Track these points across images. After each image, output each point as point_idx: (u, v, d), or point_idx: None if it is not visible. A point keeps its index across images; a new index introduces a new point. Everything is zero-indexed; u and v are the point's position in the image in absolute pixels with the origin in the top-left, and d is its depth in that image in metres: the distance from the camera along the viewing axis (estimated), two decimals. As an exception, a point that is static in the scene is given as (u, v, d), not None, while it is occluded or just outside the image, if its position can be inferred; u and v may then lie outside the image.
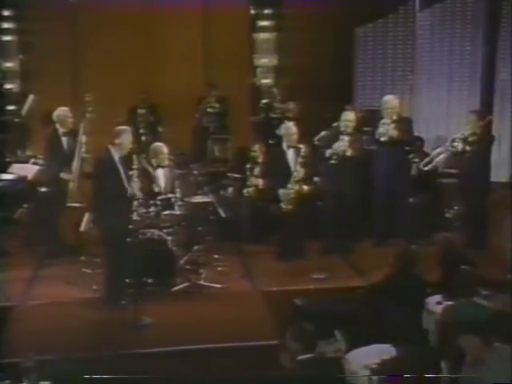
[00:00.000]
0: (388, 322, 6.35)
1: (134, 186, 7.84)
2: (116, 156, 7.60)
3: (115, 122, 10.73)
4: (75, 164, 8.91)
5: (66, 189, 8.85)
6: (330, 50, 12.55)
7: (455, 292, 6.22)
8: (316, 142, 9.38)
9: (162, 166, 8.74)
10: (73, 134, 9.05)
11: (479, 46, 11.68)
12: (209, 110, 12.22)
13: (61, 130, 9.10)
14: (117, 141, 7.60)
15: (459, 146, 9.08)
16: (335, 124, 9.33)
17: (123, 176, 7.66)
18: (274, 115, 11.90)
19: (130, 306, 7.19)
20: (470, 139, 9.05)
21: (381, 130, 9.32)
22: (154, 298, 7.59)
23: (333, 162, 8.98)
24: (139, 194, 8.07)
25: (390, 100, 9.49)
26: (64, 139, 9.08)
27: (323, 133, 9.74)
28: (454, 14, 12.04)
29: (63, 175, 8.88)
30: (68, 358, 6.21)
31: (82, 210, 8.38)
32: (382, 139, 9.31)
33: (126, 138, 7.69)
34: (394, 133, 9.25)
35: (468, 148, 9.04)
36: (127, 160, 7.88)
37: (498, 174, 10.10)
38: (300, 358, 4.95)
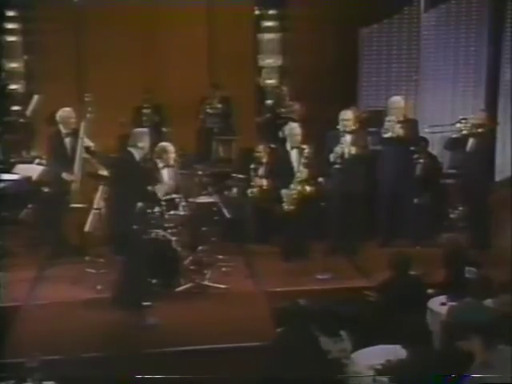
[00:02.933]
0: (392, 323, 6.35)
1: (160, 187, 7.94)
2: (138, 158, 7.64)
3: (119, 123, 10.80)
4: (77, 165, 8.91)
5: (70, 189, 8.87)
6: (334, 50, 12.53)
7: (460, 293, 6.21)
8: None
9: (167, 166, 8.75)
10: (76, 134, 9.05)
11: (484, 47, 11.67)
12: (213, 110, 12.22)
13: (64, 131, 9.10)
14: (140, 144, 7.63)
15: (465, 129, 9.03)
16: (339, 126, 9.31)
17: (147, 177, 7.77)
18: (278, 115, 11.90)
19: (146, 306, 7.22)
20: (474, 131, 9.00)
21: (386, 126, 9.32)
22: (158, 298, 7.60)
23: (337, 166, 8.96)
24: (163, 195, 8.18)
25: (397, 101, 9.50)
26: (67, 140, 9.09)
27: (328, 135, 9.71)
28: (458, 15, 12.03)
29: (65, 176, 8.88)
30: (72, 358, 6.21)
31: (87, 210, 8.40)
32: (387, 135, 9.29)
33: (147, 141, 7.76)
34: (400, 131, 9.25)
35: (471, 131, 8.98)
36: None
37: (502, 175, 10.08)
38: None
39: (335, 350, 5.35)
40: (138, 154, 7.64)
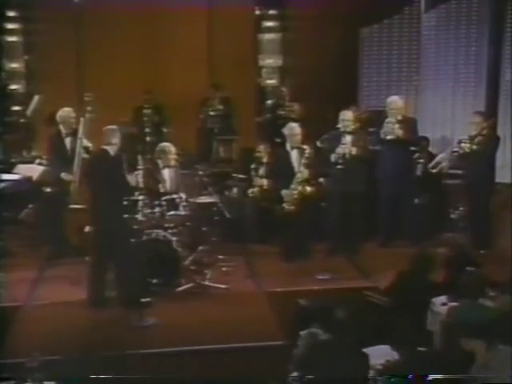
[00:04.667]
0: (394, 324, 6.34)
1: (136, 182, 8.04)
2: (112, 154, 7.73)
3: (119, 123, 10.79)
4: (76, 165, 8.90)
5: (70, 190, 8.86)
6: (335, 50, 12.54)
7: (461, 293, 6.20)
8: (319, 145, 9.37)
9: (168, 167, 8.77)
10: (76, 134, 9.04)
11: (484, 47, 11.65)
12: (213, 111, 12.22)
13: (64, 131, 9.10)
14: (114, 141, 7.72)
15: (466, 147, 9.05)
16: (339, 125, 9.28)
17: (125, 174, 7.85)
18: (279, 115, 11.90)
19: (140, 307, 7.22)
20: (477, 140, 9.03)
21: (386, 128, 9.32)
22: (158, 298, 7.60)
23: (339, 166, 8.96)
24: (143, 191, 8.21)
25: (395, 100, 9.50)
26: (67, 140, 9.08)
27: (326, 135, 9.70)
28: (459, 15, 12.01)
29: (64, 176, 8.86)
30: (72, 358, 6.21)
31: (86, 210, 8.39)
32: (388, 138, 9.30)
33: (119, 137, 7.86)
34: (399, 132, 9.24)
35: (475, 148, 9.01)
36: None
37: (502, 175, 10.07)
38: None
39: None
40: (112, 151, 7.73)
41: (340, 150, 8.97)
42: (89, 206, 7.93)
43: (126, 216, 7.87)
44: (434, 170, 9.73)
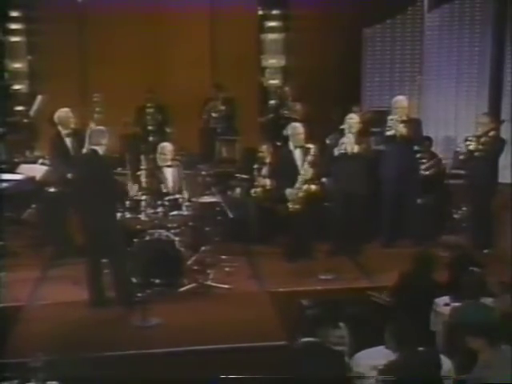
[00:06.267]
0: (397, 324, 6.34)
1: (132, 186, 8.09)
2: (101, 154, 7.75)
3: (122, 123, 10.81)
4: None
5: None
6: (338, 50, 12.54)
7: (463, 293, 6.21)
8: (328, 141, 9.38)
9: (170, 166, 8.78)
10: (76, 134, 9.05)
11: (487, 47, 11.64)
12: (215, 111, 12.23)
13: (63, 132, 9.11)
14: (102, 141, 7.75)
15: (471, 145, 9.06)
16: (343, 126, 9.30)
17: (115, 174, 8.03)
18: (281, 115, 11.91)
19: (138, 306, 7.22)
20: (482, 140, 9.03)
21: (389, 124, 9.32)
22: (161, 298, 7.61)
23: (342, 159, 8.96)
24: (138, 193, 8.22)
25: (401, 100, 9.51)
26: (68, 140, 9.09)
27: (333, 135, 9.72)
28: (462, 15, 12.01)
29: (70, 176, 8.85)
30: (75, 358, 6.22)
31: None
32: (390, 133, 9.29)
33: (107, 137, 7.86)
34: (403, 130, 9.24)
35: (480, 148, 9.01)
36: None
37: (503, 176, 10.07)
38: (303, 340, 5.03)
39: (333, 336, 5.38)
40: (101, 151, 7.76)
41: (343, 140, 8.98)
42: (78, 206, 7.95)
43: (117, 215, 7.90)
44: (427, 172, 9.78)
